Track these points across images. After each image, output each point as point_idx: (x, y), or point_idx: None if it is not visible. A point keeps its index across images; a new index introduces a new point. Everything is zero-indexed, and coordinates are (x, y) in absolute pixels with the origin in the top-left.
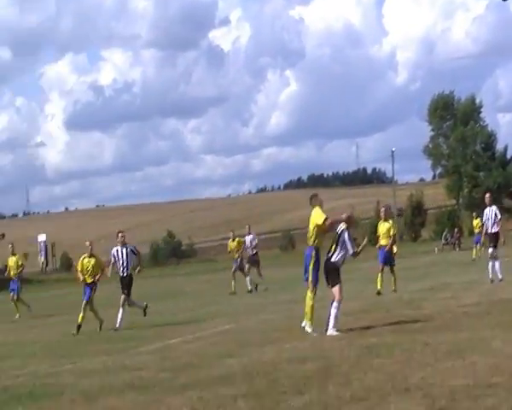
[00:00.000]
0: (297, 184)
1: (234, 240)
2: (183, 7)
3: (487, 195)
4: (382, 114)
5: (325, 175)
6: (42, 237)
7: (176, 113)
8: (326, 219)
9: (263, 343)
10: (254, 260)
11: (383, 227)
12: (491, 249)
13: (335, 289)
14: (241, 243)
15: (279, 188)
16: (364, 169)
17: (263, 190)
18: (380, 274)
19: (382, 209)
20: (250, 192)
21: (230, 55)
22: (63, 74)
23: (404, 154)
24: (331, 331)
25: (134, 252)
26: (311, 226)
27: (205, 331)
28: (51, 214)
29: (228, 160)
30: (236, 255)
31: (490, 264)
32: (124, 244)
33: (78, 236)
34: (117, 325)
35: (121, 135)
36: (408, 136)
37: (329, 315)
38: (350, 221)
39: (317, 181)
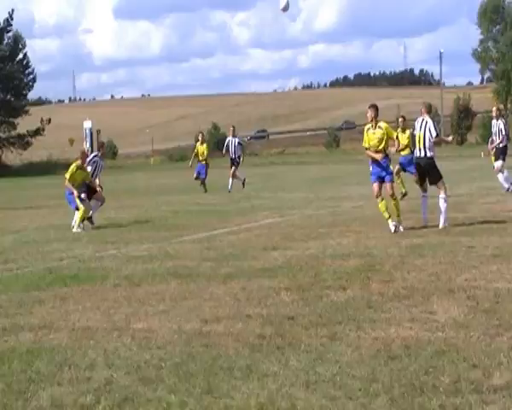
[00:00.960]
0: (343, 82)
1: (202, 144)
2: None
3: (494, 108)
4: (432, 14)
5: (372, 74)
6: (87, 124)
7: (224, 4)
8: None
9: (307, 238)
10: (237, 163)
11: (403, 137)
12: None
13: (440, 184)
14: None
15: (325, 85)
16: (412, 70)
17: (309, 86)
18: (399, 178)
19: (400, 120)
20: (296, 88)
21: None
22: None
23: (453, 56)
24: (444, 224)
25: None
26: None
27: (249, 224)
28: (97, 102)
29: (275, 54)
30: (201, 159)
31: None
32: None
33: (123, 124)
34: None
35: (169, 25)
36: (457, 38)
37: (440, 210)
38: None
39: (364, 80)
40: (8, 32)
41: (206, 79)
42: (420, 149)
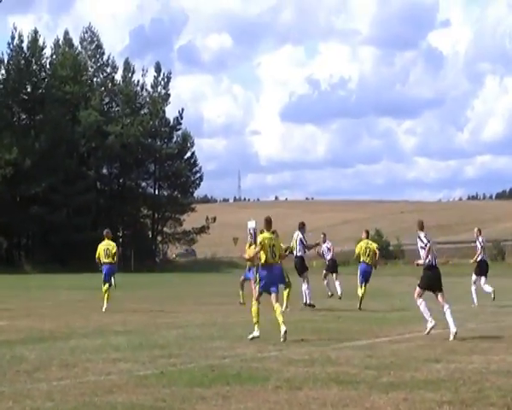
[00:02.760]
0: (509, 195)
1: (250, 246)
2: (403, 6)
3: None
4: None
5: None
6: (251, 224)
7: (391, 112)
8: None
9: (470, 352)
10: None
11: None
12: None
13: None
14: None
15: (491, 197)
16: None
17: (474, 197)
18: None
19: None
20: (461, 199)
21: (449, 58)
22: (280, 65)
23: None
24: None
25: None
26: None
27: (411, 333)
28: (261, 202)
29: (441, 164)
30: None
31: None
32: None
33: (286, 227)
34: None
35: (335, 130)
36: None
37: None
38: None
39: None
40: (177, 130)
41: (370, 185)
42: None
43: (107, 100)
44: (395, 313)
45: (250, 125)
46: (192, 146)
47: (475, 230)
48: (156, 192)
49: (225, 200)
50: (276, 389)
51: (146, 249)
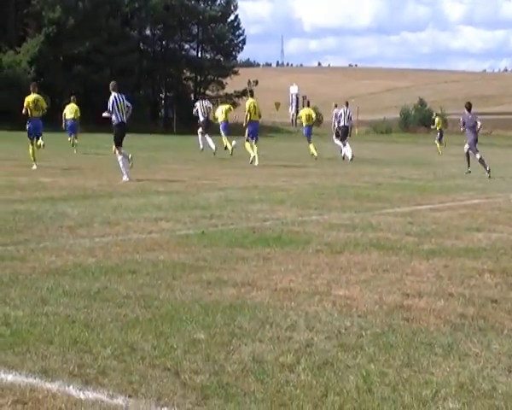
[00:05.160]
0: None
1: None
2: None
3: None
4: None
5: None
6: (294, 89)
7: None
8: None
9: None
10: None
11: None
12: None
13: None
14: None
15: None
16: None
17: None
18: None
19: None
20: (506, 70)
21: None
22: None
23: None
24: None
25: None
26: None
27: (453, 202)
28: (304, 68)
29: (487, 34)
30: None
31: None
32: None
33: (329, 92)
34: None
35: None
36: None
37: None
38: None
39: None
40: None
41: (415, 54)
42: None
43: None
44: (437, 182)
45: None
46: (235, 9)
47: None
48: (199, 55)
49: (268, 64)
50: (317, 252)
51: (188, 112)
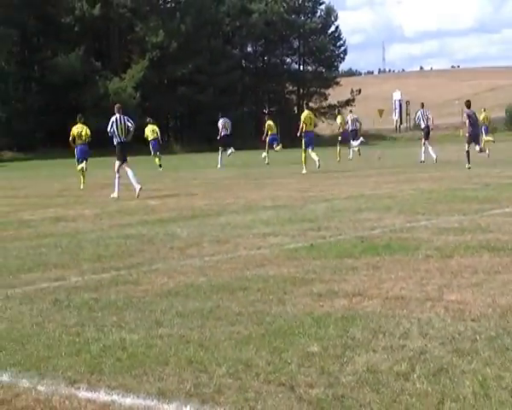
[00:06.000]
0: None
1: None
2: None
3: None
4: None
5: None
6: (397, 95)
7: None
8: None
9: None
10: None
11: None
12: None
13: None
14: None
15: None
16: None
17: None
18: None
19: None
20: None
21: None
22: None
23: None
24: None
25: None
26: None
27: None
28: (406, 73)
29: None
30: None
31: None
32: None
33: (432, 95)
34: None
35: None
36: None
37: None
38: None
39: None
40: (320, 4)
41: None
42: None
43: None
44: None
45: None
46: (336, 19)
47: None
48: (301, 68)
49: (370, 72)
50: (427, 257)
51: (292, 125)
